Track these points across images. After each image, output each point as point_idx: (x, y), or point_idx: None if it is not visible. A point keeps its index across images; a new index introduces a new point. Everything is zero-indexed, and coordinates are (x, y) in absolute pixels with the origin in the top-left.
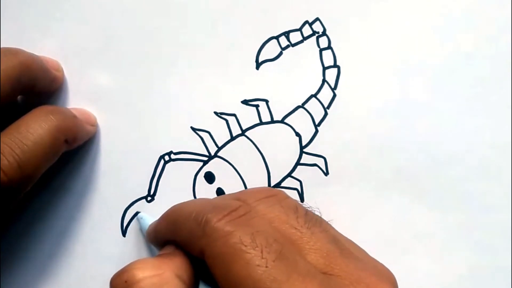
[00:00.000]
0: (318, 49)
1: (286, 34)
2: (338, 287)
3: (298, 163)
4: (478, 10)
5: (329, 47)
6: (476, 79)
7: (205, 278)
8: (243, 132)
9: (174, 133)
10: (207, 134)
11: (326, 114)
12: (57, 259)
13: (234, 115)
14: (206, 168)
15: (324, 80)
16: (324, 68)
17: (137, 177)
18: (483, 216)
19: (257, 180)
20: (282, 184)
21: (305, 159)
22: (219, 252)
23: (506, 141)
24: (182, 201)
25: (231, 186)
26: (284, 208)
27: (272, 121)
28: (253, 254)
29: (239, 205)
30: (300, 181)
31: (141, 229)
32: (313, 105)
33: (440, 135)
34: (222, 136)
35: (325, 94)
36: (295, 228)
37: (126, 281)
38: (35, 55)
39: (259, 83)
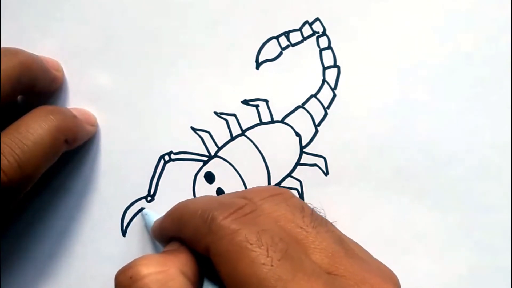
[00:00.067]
0: (318, 49)
1: (286, 34)
2: (343, 287)
3: (298, 163)
4: (478, 10)
5: (329, 47)
6: (476, 79)
7: (210, 275)
8: (243, 132)
9: (174, 133)
10: (207, 134)
11: (326, 114)
12: (57, 259)
13: (234, 115)
14: (206, 168)
15: (324, 80)
16: (324, 68)
17: (137, 177)
18: (483, 216)
19: (257, 180)
20: (282, 184)
21: (305, 159)
22: (224, 250)
23: (506, 141)
24: (187, 198)
25: (231, 186)
26: (290, 207)
27: (272, 121)
28: (258, 253)
29: (245, 203)
30: (300, 181)
31: (145, 225)
32: (313, 105)
33: (440, 135)
34: (222, 136)
35: (325, 94)
36: (301, 228)
37: (131, 277)
38: (35, 55)
39: (259, 83)
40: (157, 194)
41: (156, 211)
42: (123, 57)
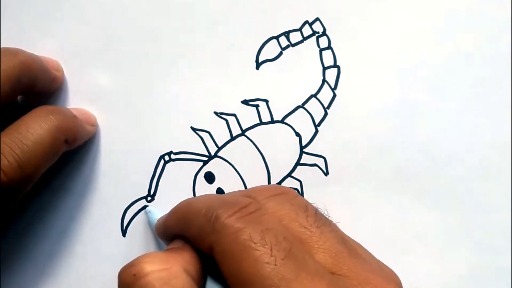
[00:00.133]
0: (318, 49)
1: (286, 34)
2: (346, 287)
3: (298, 163)
4: (478, 10)
5: (329, 47)
6: (476, 79)
7: (213, 274)
8: (243, 132)
9: (174, 133)
10: (207, 134)
11: (326, 114)
12: (57, 259)
13: (234, 115)
14: (206, 168)
15: (324, 80)
16: (324, 68)
17: (137, 177)
18: (483, 216)
19: (257, 180)
20: (282, 184)
21: (305, 159)
22: (228, 248)
23: (506, 141)
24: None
25: (231, 186)
26: (294, 206)
27: (272, 121)
28: (262, 252)
29: (249, 202)
30: (300, 181)
31: (149, 223)
32: (313, 105)
33: (440, 135)
34: (222, 136)
35: (325, 94)
36: (305, 227)
37: (134, 275)
38: (35, 55)
39: (259, 83)
40: (157, 194)
41: (159, 209)
42: (123, 57)
